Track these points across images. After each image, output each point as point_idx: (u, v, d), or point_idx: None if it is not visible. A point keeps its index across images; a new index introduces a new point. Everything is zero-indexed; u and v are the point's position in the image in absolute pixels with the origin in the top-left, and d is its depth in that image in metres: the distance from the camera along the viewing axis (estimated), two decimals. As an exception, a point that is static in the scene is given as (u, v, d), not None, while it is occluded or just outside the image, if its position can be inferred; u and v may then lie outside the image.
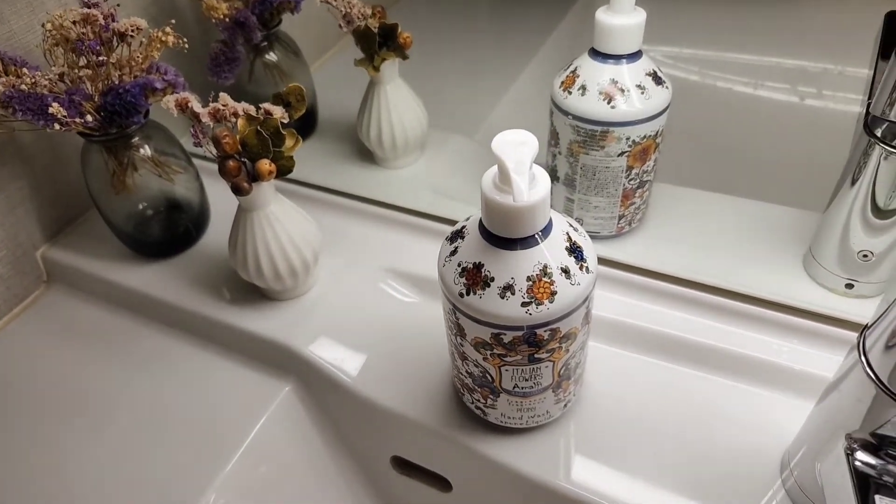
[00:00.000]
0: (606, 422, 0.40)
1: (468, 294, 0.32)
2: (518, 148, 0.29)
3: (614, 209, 0.48)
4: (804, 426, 0.34)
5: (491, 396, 0.37)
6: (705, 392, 0.41)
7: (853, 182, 0.42)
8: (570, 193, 0.48)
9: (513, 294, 0.31)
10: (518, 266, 0.31)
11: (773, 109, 0.76)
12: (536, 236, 0.32)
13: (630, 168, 0.46)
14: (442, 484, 0.44)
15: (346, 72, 0.54)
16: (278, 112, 0.41)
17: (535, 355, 0.34)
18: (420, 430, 0.41)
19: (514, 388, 0.36)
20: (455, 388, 0.41)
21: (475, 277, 0.32)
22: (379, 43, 0.50)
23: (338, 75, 0.69)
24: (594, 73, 0.44)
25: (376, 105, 0.53)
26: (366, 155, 0.59)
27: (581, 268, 0.33)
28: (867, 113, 0.40)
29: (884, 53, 0.40)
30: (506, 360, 0.34)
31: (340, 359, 0.44)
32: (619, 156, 0.45)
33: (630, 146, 0.44)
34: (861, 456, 0.29)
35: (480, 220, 0.33)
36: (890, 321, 0.26)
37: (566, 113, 0.45)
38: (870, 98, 0.40)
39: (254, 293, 0.48)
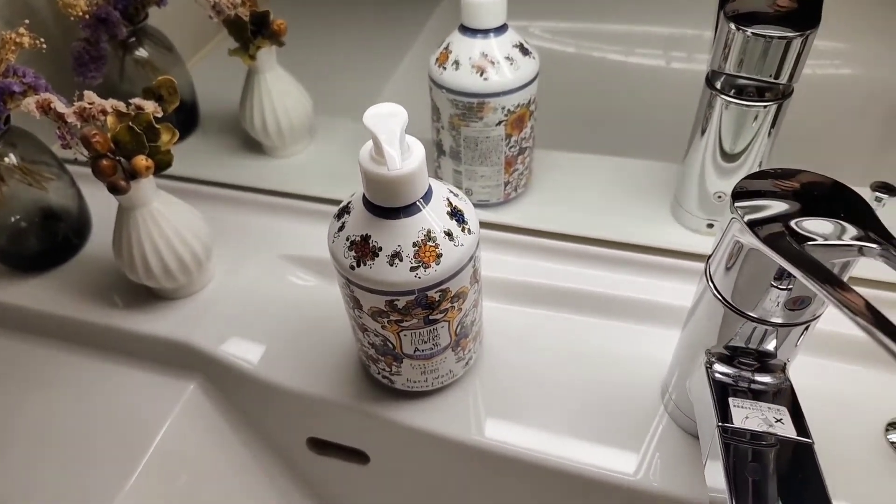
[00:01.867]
0: (508, 375, 0.43)
1: (359, 266, 0.34)
2: (388, 120, 0.31)
3: (499, 177, 0.51)
4: (675, 352, 0.38)
5: (395, 363, 0.39)
6: (593, 336, 0.45)
7: (703, 132, 0.46)
8: (457, 165, 0.50)
9: (401, 261, 0.33)
10: (403, 233, 0.33)
11: (643, 74, 0.82)
12: (418, 203, 0.33)
13: (509, 136, 0.48)
14: (359, 457, 0.45)
15: (227, 65, 0.53)
16: (150, 106, 0.40)
17: (430, 317, 0.35)
18: (331, 408, 0.42)
19: (415, 351, 0.37)
20: (361, 361, 0.43)
21: (364, 249, 0.33)
22: (252, 31, 0.50)
23: (219, 68, 0.68)
24: (465, 48, 0.46)
25: (257, 94, 0.53)
26: (254, 146, 0.58)
27: (463, 230, 0.35)
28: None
29: (727, 14, 0.45)
30: (403, 326, 0.36)
31: (243, 349, 0.44)
32: (497, 125, 0.47)
33: (506, 115, 0.47)
34: (718, 367, 0.33)
35: (364, 194, 0.34)
36: (724, 248, 0.30)
37: (443, 88, 0.47)
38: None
39: (147, 295, 0.47)
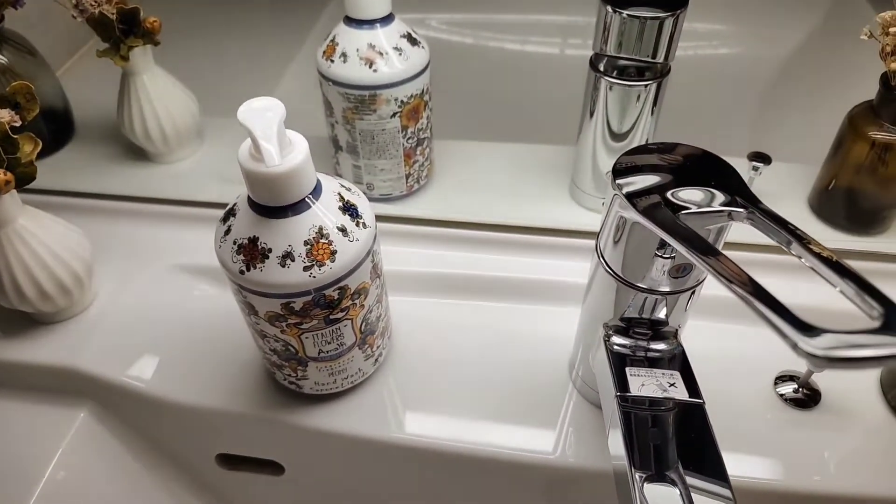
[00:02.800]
0: (421, 368, 0.43)
1: (249, 270, 0.32)
2: (263, 114, 0.29)
3: (400, 170, 0.50)
4: (577, 329, 0.39)
5: (300, 368, 0.37)
6: (502, 320, 0.45)
7: (591, 114, 0.48)
8: (356, 160, 0.49)
9: (293, 260, 0.32)
10: (293, 232, 0.32)
11: (539, 61, 0.84)
12: (307, 200, 0.32)
13: (405, 128, 0.48)
14: (274, 468, 0.43)
15: (106, 69, 0.50)
16: (6, 115, 0.37)
17: (331, 316, 0.34)
18: (238, 420, 0.40)
19: (319, 353, 0.36)
20: (266, 369, 0.41)
21: (252, 252, 0.32)
22: (123, 30, 0.47)
23: (96, 74, 0.63)
24: (352, 40, 0.45)
25: (135, 98, 0.50)
26: (138, 153, 0.55)
27: (358, 224, 0.34)
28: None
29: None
30: (303, 328, 0.34)
31: (137, 369, 0.41)
32: (391, 117, 0.47)
33: (400, 106, 0.46)
34: (615, 339, 0.34)
35: (248, 195, 0.32)
36: (610, 223, 0.31)
37: (333, 81, 0.45)
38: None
39: (24, 320, 0.43)
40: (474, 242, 0.48)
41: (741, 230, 0.32)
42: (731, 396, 0.41)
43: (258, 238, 0.32)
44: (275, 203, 0.31)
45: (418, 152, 0.50)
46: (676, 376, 0.31)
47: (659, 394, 0.30)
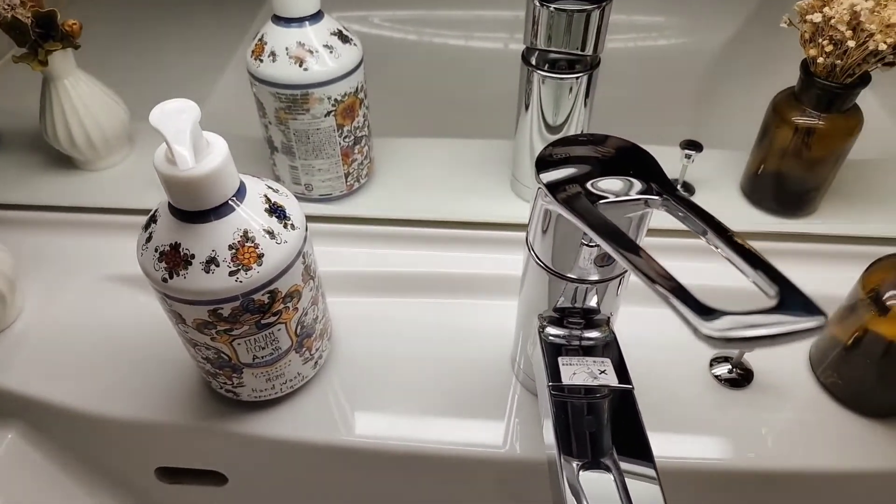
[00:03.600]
0: (365, 368, 0.42)
1: (172, 277, 0.31)
2: (177, 117, 0.28)
3: (338, 169, 0.49)
4: (516, 321, 0.40)
5: (235, 375, 0.37)
6: (446, 316, 0.45)
7: (527, 107, 0.48)
8: (292, 161, 0.49)
9: (217, 266, 0.31)
10: (217, 237, 0.31)
11: (483, 57, 0.84)
12: (231, 203, 0.31)
13: (341, 126, 0.47)
14: (217, 479, 0.43)
15: (30, 75, 0.48)
16: None
17: (263, 321, 0.34)
18: (175, 432, 0.39)
19: (254, 359, 0.36)
20: (202, 378, 0.40)
21: (175, 259, 0.31)
22: (40, 34, 0.45)
23: (19, 81, 0.61)
24: (280, 39, 0.44)
25: (57, 104, 0.48)
26: (65, 161, 0.53)
27: (286, 226, 0.33)
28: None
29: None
30: (234, 334, 0.34)
31: (66, 385, 0.40)
32: (326, 116, 0.46)
33: (334, 105, 0.46)
34: (550, 330, 0.34)
35: (169, 201, 0.31)
36: (536, 215, 0.31)
37: (263, 81, 0.45)
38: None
39: (-56, 342, 0.41)
40: (416, 240, 0.48)
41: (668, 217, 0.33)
42: (670, 379, 0.42)
43: (180, 244, 0.31)
44: (195, 207, 0.30)
45: (356, 151, 0.50)
46: (607, 363, 0.32)
47: (590, 381, 0.30)
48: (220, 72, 0.67)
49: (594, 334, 0.34)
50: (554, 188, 0.28)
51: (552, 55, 0.45)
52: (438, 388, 0.41)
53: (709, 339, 0.18)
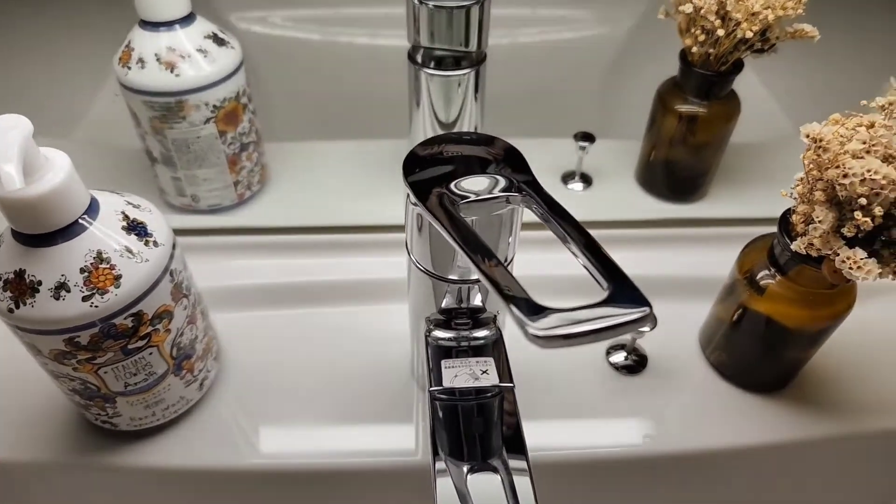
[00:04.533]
0: (261, 385, 0.40)
1: (18, 307, 0.29)
2: (4, 134, 0.26)
3: (226, 178, 0.47)
4: (409, 326, 0.39)
5: (109, 405, 0.34)
6: (346, 324, 0.44)
7: (418, 105, 0.47)
8: (174, 172, 0.46)
9: (68, 291, 0.29)
10: (66, 260, 0.29)
11: (389, 55, 0.83)
12: (81, 222, 0.29)
13: (224, 133, 0.45)
14: (105, 516, 0.40)
15: None
16: None
17: (129, 346, 0.32)
18: (50, 471, 0.36)
19: (126, 387, 0.33)
20: (77, 410, 0.37)
21: (20, 287, 0.29)
22: None
23: None
24: (148, 44, 0.42)
25: None
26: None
27: (147, 243, 0.31)
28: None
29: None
30: (98, 363, 0.31)
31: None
32: (205, 123, 0.44)
33: (213, 111, 0.44)
34: (437, 333, 0.34)
35: (10, 225, 0.29)
36: (410, 218, 0.30)
37: (132, 90, 0.42)
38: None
39: None
40: (312, 247, 0.47)
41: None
42: (568, 370, 0.42)
43: (25, 270, 0.29)
44: (39, 230, 0.28)
45: (244, 158, 0.47)
46: (490, 363, 0.31)
47: (470, 383, 0.30)
48: (102, 80, 0.63)
49: (482, 333, 0.34)
50: (418, 189, 0.28)
51: (437, 52, 0.44)
52: (342, 398, 0.40)
53: (535, 339, 0.18)
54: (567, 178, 0.54)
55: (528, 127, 0.65)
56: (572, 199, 0.52)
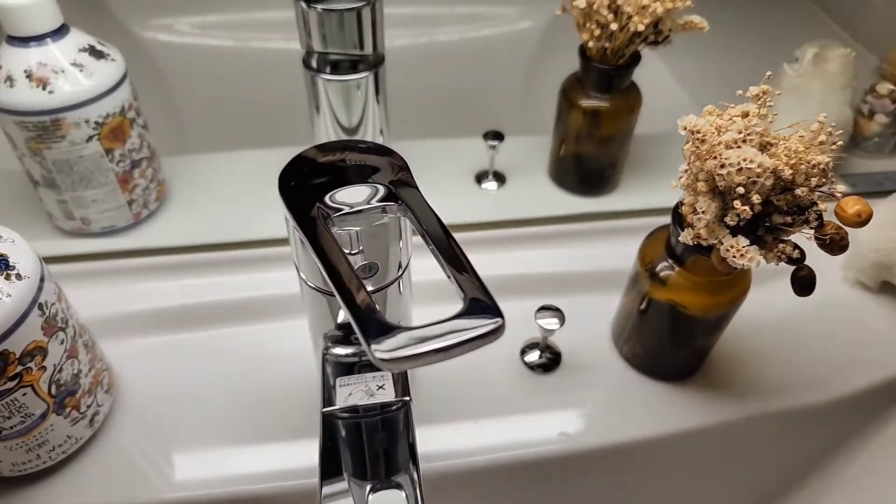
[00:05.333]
0: (170, 410, 0.38)
1: None
2: None
3: (117, 198, 0.45)
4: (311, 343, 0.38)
5: (-17, 452, 0.32)
6: (248, 343, 0.42)
7: (318, 111, 0.46)
8: (59, 194, 0.43)
9: (-85, 336, 0.26)
10: None
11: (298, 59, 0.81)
12: (-73, 261, 0.27)
13: (110, 151, 0.42)
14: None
15: None
16: None
17: (-3, 389, 0.29)
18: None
19: (1, 432, 0.31)
20: (-48, 460, 0.34)
21: None
22: None
23: None
24: (17, 60, 0.39)
25: None
26: None
27: (9, 277, 0.29)
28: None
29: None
30: (-38, 410, 0.29)
31: None
32: (87, 141, 0.41)
33: (96, 128, 0.41)
34: (336, 350, 0.33)
35: None
36: (291, 234, 0.29)
37: (2, 110, 0.39)
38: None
39: None
40: (213, 266, 0.45)
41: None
42: (483, 373, 0.41)
43: None
44: None
45: (137, 175, 0.45)
46: (387, 378, 0.30)
47: (365, 400, 0.29)
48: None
49: (383, 345, 0.33)
50: (291, 203, 0.26)
51: (332, 57, 0.43)
52: (244, 419, 0.38)
53: (381, 362, 0.17)
54: (481, 177, 0.53)
55: (444, 126, 0.64)
56: (486, 198, 0.52)
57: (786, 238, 0.31)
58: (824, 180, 0.30)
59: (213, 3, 0.82)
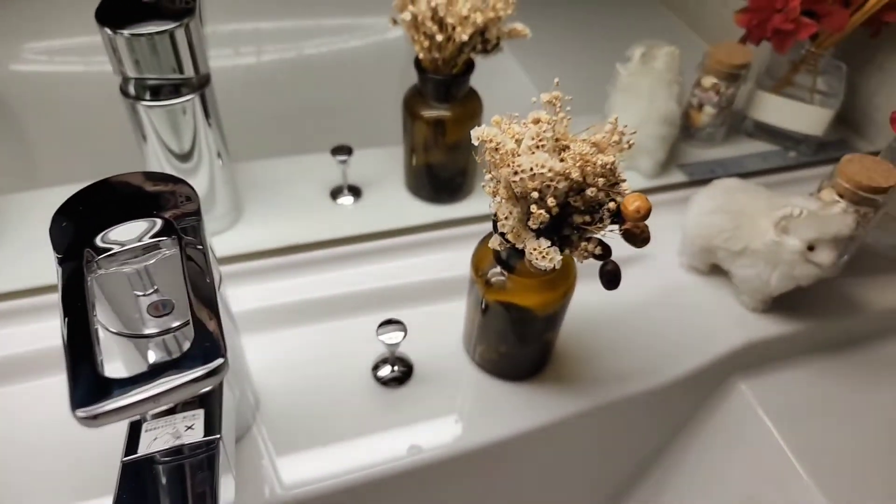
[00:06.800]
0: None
1: None
2: None
3: None
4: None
5: None
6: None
7: (145, 139, 0.44)
8: None
9: None
10: None
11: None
12: None
13: None
14: None
15: None
16: None
17: None
18: None
19: None
20: None
21: None
22: None
23: None
24: None
25: None
26: None
27: None
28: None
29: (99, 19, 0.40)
30: None
31: None
32: None
33: None
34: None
35: None
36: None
37: None
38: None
39: None
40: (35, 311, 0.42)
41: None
42: (336, 393, 0.41)
43: None
44: None
45: (-55, 221, 0.42)
46: (198, 416, 0.29)
47: (171, 443, 0.28)
48: None
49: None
50: (59, 247, 0.25)
51: (150, 82, 0.41)
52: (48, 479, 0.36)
53: (83, 421, 0.17)
54: (336, 193, 0.53)
55: (307, 142, 0.63)
56: (342, 213, 0.52)
57: (590, 236, 0.32)
58: (612, 179, 0.31)
59: (58, 29, 0.78)
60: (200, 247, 0.24)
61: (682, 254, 0.48)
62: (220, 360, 0.17)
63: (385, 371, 0.42)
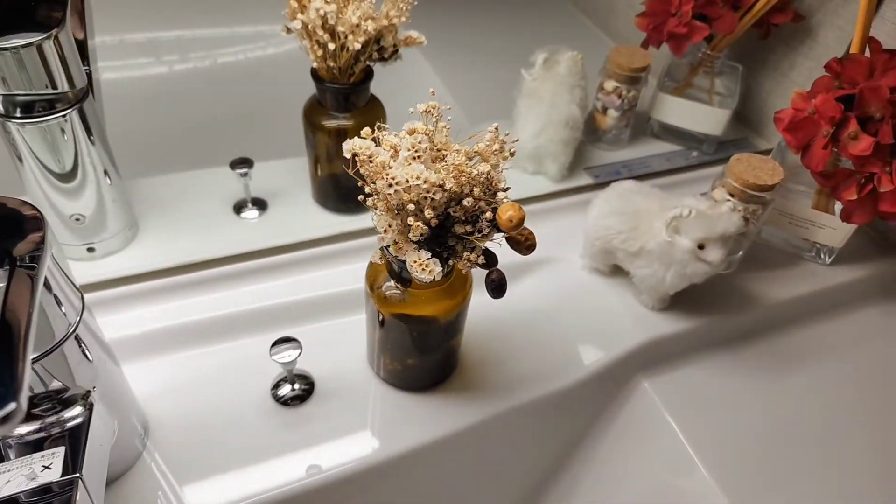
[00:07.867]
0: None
1: None
2: None
3: None
4: None
5: None
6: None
7: (21, 160, 0.41)
8: None
9: None
10: None
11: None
12: None
13: None
14: None
15: None
16: None
17: None
18: None
19: None
20: None
21: None
22: None
23: None
24: None
25: None
26: None
27: None
28: None
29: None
30: None
31: None
32: None
33: None
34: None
35: None
36: None
37: None
38: None
39: None
40: None
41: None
42: (233, 415, 0.39)
43: None
44: None
45: None
46: (58, 454, 0.27)
47: (24, 486, 0.26)
48: None
49: (75, 412, 0.30)
50: None
51: (20, 98, 0.39)
52: None
53: None
54: (240, 207, 0.51)
55: (212, 156, 0.61)
56: (245, 228, 0.50)
57: (474, 246, 0.32)
58: (490, 188, 0.31)
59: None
60: (32, 278, 0.22)
61: (584, 256, 0.49)
62: (11, 406, 0.16)
63: (285, 390, 0.41)
